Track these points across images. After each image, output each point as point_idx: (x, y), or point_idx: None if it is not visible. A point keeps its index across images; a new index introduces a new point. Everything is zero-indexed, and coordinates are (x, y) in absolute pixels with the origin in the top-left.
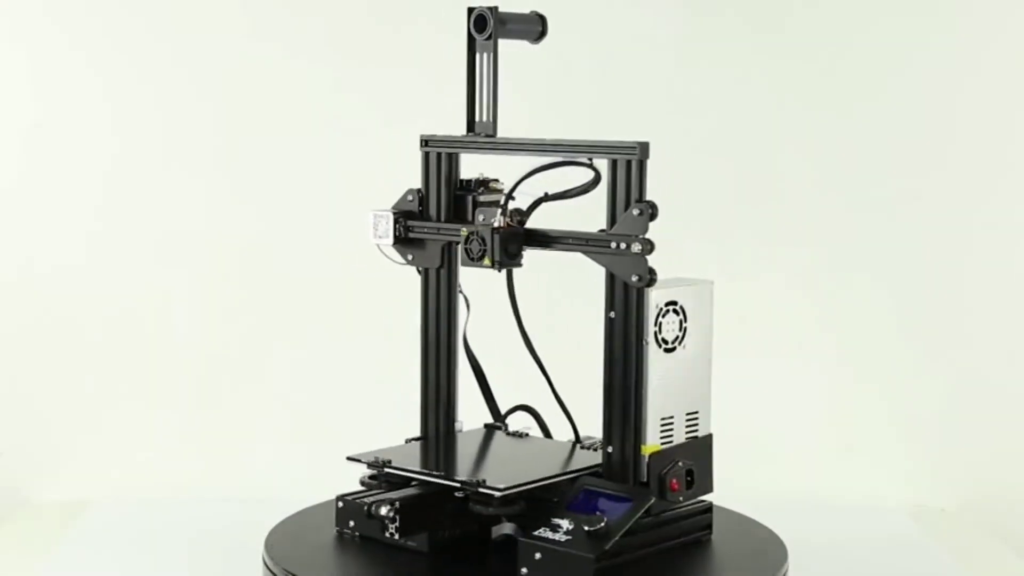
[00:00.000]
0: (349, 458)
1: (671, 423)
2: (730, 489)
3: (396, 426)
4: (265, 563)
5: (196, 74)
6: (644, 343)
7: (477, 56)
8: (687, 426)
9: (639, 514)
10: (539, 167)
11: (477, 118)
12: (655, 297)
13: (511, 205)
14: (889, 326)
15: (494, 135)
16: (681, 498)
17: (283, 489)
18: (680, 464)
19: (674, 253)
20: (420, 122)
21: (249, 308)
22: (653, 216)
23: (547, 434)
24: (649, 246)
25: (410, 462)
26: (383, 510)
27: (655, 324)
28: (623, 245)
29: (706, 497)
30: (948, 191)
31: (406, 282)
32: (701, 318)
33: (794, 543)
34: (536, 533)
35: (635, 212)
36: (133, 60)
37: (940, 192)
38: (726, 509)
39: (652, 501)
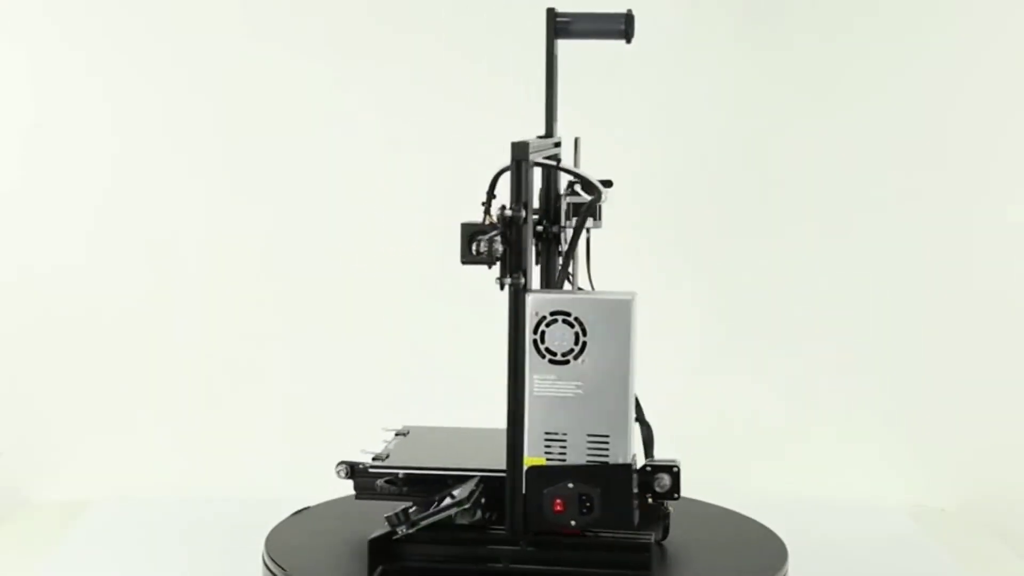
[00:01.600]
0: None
1: (562, 440)
2: (730, 489)
3: (397, 426)
4: (265, 563)
5: (196, 74)
6: (522, 350)
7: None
8: (589, 448)
9: (438, 514)
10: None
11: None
12: (532, 303)
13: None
14: (889, 326)
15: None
16: (572, 522)
17: (283, 489)
18: (570, 486)
19: (672, 246)
20: (422, 122)
21: (249, 308)
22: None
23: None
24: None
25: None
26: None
27: (535, 331)
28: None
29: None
30: (949, 190)
31: (407, 282)
32: (611, 334)
33: (794, 543)
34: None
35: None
36: (133, 60)
37: (941, 191)
38: (726, 509)
39: (465, 507)
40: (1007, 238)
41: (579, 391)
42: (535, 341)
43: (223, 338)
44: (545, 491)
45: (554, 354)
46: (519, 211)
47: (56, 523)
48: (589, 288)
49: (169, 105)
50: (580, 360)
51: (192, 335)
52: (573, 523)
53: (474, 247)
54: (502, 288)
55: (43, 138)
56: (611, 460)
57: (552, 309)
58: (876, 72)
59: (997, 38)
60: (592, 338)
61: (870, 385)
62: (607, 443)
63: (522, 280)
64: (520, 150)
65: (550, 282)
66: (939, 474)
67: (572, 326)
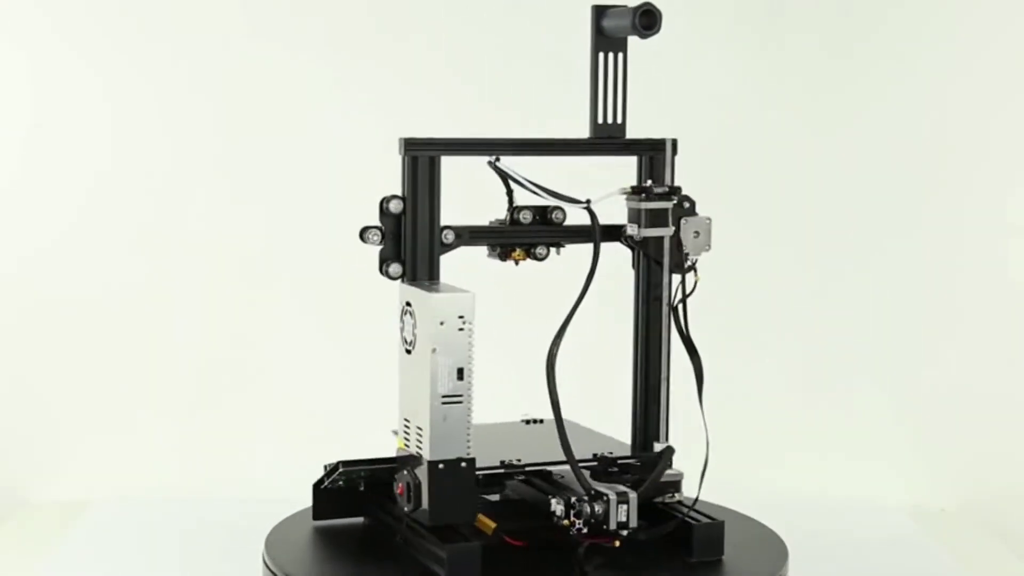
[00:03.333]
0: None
1: (417, 428)
2: (730, 489)
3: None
4: (265, 563)
5: (195, 75)
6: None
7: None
8: (418, 439)
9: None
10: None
11: (600, 119)
12: (398, 291)
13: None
14: (890, 327)
15: (622, 136)
16: (405, 508)
17: (283, 489)
18: (404, 472)
19: None
20: (424, 121)
21: (249, 308)
22: None
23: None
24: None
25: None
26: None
27: (400, 319)
28: None
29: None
30: (949, 193)
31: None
32: (433, 329)
33: (794, 543)
34: None
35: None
36: (132, 61)
37: (941, 193)
38: (726, 509)
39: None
40: (1007, 240)
41: (413, 381)
42: (401, 329)
43: (223, 338)
44: (395, 475)
45: (406, 342)
46: (390, 204)
47: (56, 523)
48: None
49: (167, 108)
50: (421, 351)
51: (192, 335)
52: (406, 508)
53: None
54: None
55: (43, 137)
56: (429, 455)
57: (404, 299)
58: (877, 75)
59: (998, 39)
60: (426, 330)
61: (870, 385)
62: (421, 436)
63: (399, 269)
64: (411, 145)
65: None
66: (939, 474)
67: (412, 317)
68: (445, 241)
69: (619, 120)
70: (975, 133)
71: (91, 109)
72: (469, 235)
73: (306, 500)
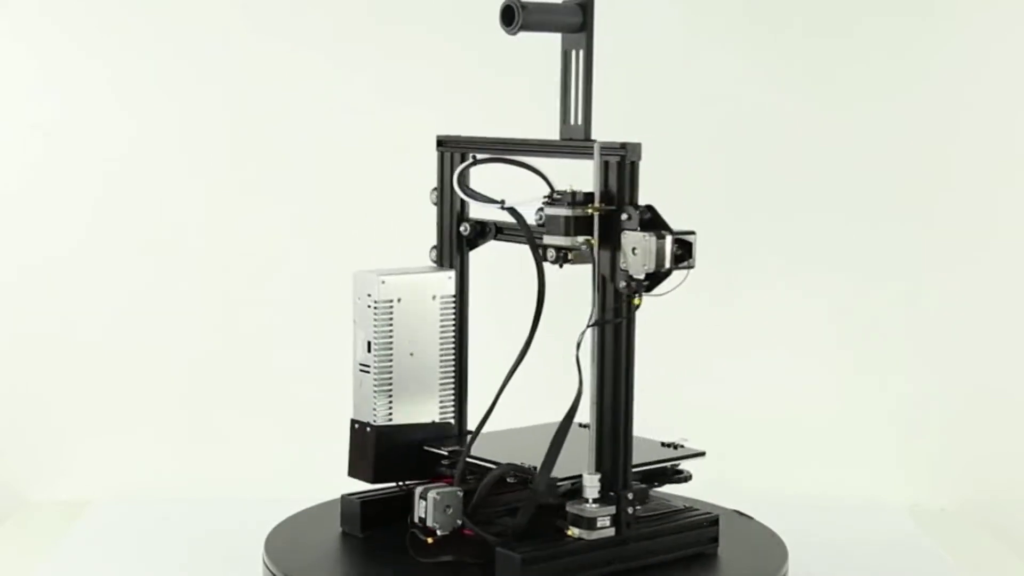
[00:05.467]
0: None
1: None
2: (730, 489)
3: None
4: (265, 563)
5: (196, 76)
6: None
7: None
8: None
9: None
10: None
11: (569, 121)
12: None
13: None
14: (890, 326)
15: (585, 138)
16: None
17: (283, 489)
18: None
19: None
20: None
21: (249, 308)
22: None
23: None
24: None
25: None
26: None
27: None
28: None
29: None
30: (948, 195)
31: None
32: (353, 303)
33: (794, 543)
34: None
35: None
36: (139, 61)
37: (941, 195)
38: (727, 509)
39: None
40: (1008, 241)
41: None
42: None
43: (223, 338)
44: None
45: None
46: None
47: (56, 523)
48: None
49: (166, 108)
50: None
51: (192, 335)
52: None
53: None
54: None
55: (44, 140)
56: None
57: None
58: (879, 77)
59: (1003, 40)
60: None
61: (870, 385)
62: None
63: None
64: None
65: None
66: (939, 474)
67: None
68: (463, 233)
69: (578, 122)
70: (984, 137)
71: (88, 113)
72: (490, 229)
73: (306, 500)
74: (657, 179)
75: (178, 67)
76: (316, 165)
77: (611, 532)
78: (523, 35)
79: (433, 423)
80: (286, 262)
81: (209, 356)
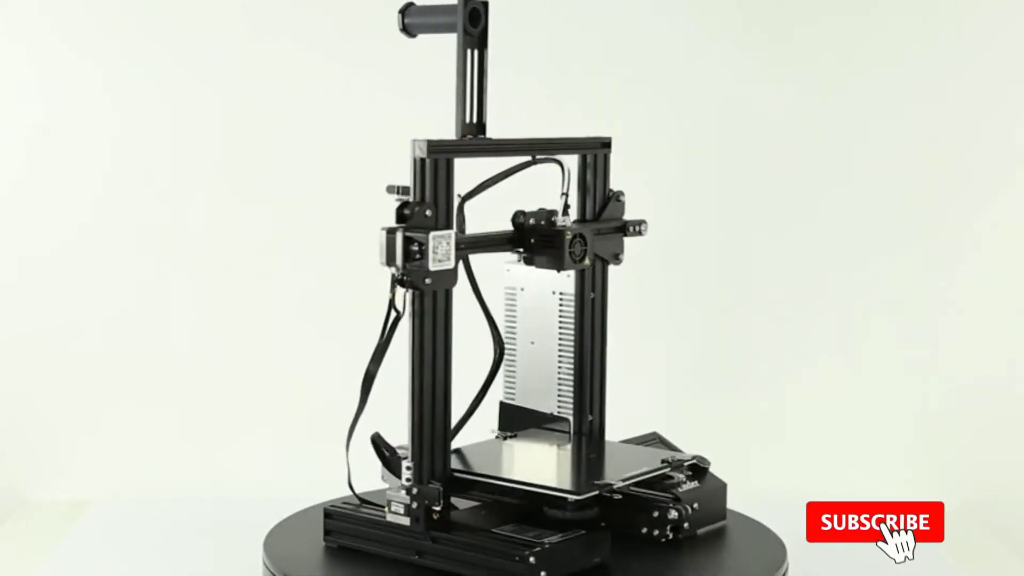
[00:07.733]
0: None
1: None
2: (730, 489)
3: (396, 426)
4: (264, 563)
5: (195, 76)
6: None
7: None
8: None
9: None
10: (505, 172)
11: (467, 119)
12: None
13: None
14: (890, 326)
15: (481, 135)
16: None
17: (283, 489)
18: None
19: (675, 240)
20: (426, 121)
21: (249, 308)
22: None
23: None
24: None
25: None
26: None
27: None
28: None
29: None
30: (949, 193)
31: None
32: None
33: (794, 543)
34: None
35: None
36: (137, 61)
37: (941, 194)
38: (726, 508)
39: None
40: (1008, 240)
41: None
42: None
43: (222, 338)
44: None
45: None
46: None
47: (56, 523)
48: None
49: (165, 109)
50: None
51: (192, 335)
52: None
53: None
54: None
55: (44, 140)
56: None
57: None
58: (880, 77)
59: (999, 38)
60: None
61: (870, 385)
62: None
63: None
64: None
65: None
66: (939, 474)
67: None
68: None
69: (474, 120)
70: (979, 135)
71: (86, 113)
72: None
73: (306, 500)
74: (657, 179)
75: (177, 67)
76: (316, 165)
77: (405, 521)
78: (517, 35)
79: (551, 415)
80: (285, 262)
81: (209, 356)
